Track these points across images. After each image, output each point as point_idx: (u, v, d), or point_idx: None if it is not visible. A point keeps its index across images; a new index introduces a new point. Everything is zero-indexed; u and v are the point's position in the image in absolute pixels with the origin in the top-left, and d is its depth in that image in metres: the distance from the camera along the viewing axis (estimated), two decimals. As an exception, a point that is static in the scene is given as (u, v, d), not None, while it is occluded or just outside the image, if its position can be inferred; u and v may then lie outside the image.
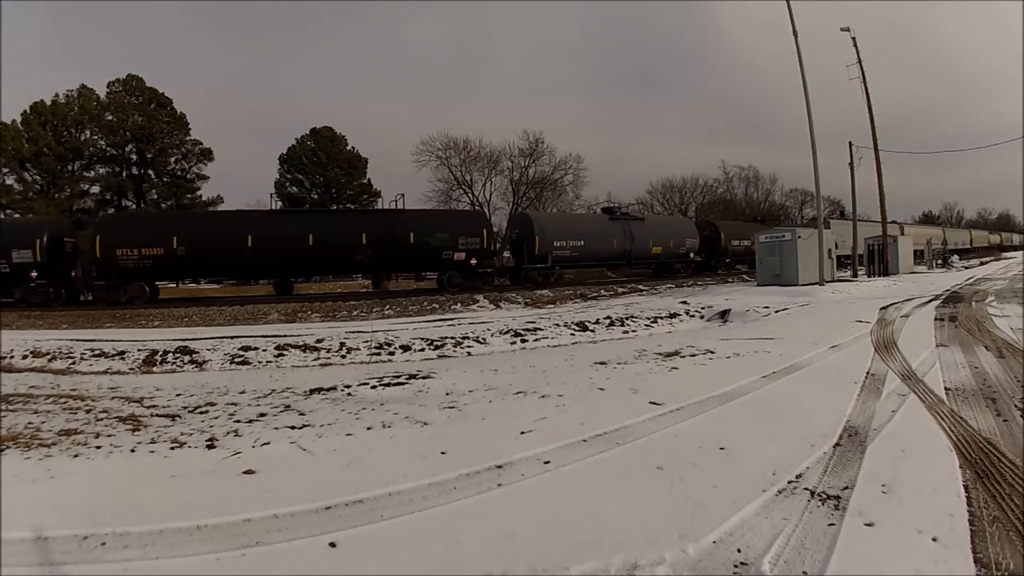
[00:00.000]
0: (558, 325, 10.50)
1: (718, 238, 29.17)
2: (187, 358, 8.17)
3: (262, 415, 4.80)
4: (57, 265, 17.42)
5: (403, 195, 20.49)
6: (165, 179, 37.48)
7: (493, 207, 40.64)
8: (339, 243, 18.37)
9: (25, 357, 8.17)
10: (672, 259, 26.22)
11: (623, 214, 26.12)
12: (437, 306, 15.33)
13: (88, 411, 4.96)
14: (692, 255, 26.87)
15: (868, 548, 2.44)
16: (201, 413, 4.93)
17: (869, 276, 21.79)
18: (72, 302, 17.25)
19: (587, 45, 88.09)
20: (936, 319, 9.81)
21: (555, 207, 40.66)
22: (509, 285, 20.78)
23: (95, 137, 35.40)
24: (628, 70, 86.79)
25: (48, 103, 33.98)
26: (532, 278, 20.98)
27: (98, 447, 3.94)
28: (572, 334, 10.01)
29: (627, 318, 11.27)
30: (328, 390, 5.81)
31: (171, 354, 8.27)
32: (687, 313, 12.10)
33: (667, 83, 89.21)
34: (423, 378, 6.34)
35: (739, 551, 2.43)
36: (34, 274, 16.94)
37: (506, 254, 24.59)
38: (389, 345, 8.86)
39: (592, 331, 10.25)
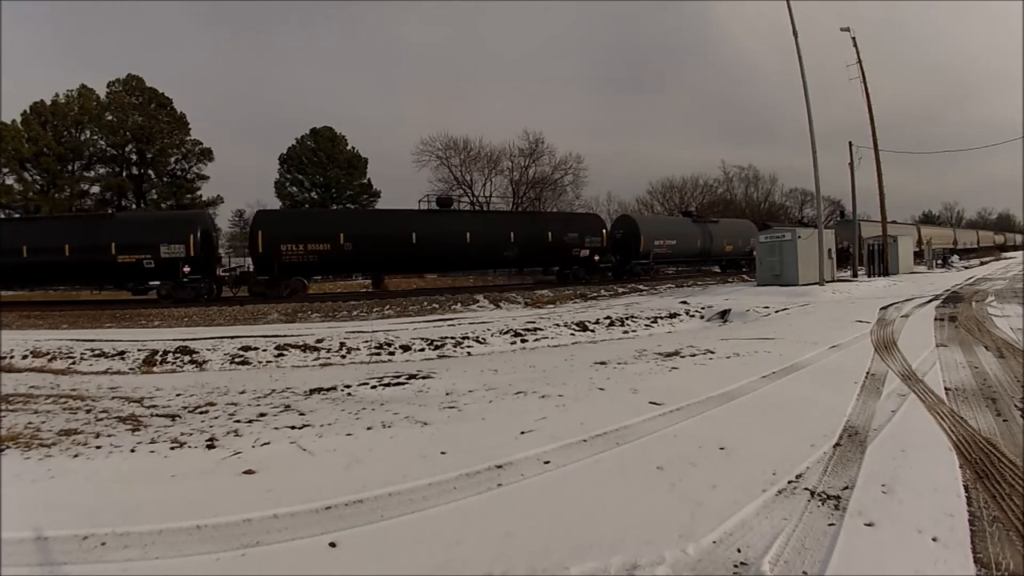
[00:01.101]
0: (558, 325, 10.50)
1: None
2: (187, 358, 8.17)
3: (262, 415, 4.80)
4: (206, 260, 17.93)
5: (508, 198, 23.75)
6: (165, 179, 37.53)
7: (493, 207, 40.62)
8: (492, 240, 20.53)
9: (25, 357, 8.17)
10: (740, 256, 29.25)
11: (700, 217, 29.66)
12: (437, 306, 15.33)
13: (88, 411, 4.96)
14: (755, 253, 29.15)
15: (868, 548, 2.44)
16: (201, 413, 4.93)
17: (869, 276, 21.79)
18: (216, 298, 17.64)
19: (587, 45, 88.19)
20: (936, 319, 9.81)
21: (555, 207, 40.71)
22: (611, 279, 23.47)
23: (95, 137, 35.46)
24: (628, 70, 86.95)
25: (48, 103, 34.01)
26: (636, 272, 24.23)
27: (98, 447, 3.94)
28: (572, 334, 10.01)
29: (627, 318, 11.27)
30: (328, 390, 5.81)
31: (171, 354, 8.27)
32: (687, 313, 12.10)
33: (667, 83, 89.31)
34: (423, 378, 6.34)
35: (739, 551, 2.43)
36: (187, 268, 17.37)
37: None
38: (389, 345, 8.86)
39: (592, 331, 10.25)
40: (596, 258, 22.88)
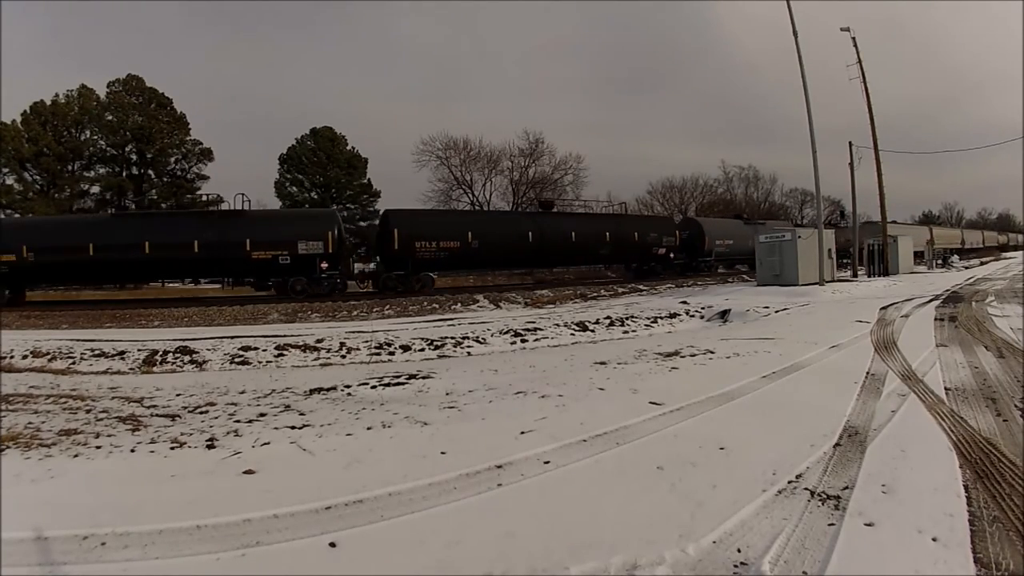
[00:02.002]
0: (558, 325, 10.50)
1: None
2: (187, 358, 8.17)
3: (262, 415, 4.80)
4: (340, 256, 18.66)
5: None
6: (165, 179, 37.50)
7: (493, 207, 40.63)
8: (591, 239, 22.92)
9: (25, 357, 8.17)
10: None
11: (749, 219, 32.09)
12: (437, 306, 15.33)
13: (88, 411, 4.96)
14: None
15: (868, 548, 2.44)
16: (201, 413, 4.93)
17: (869, 276, 21.79)
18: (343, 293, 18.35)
19: (587, 45, 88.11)
20: (936, 319, 9.81)
21: (554, 207, 40.65)
22: (679, 274, 25.69)
23: (95, 137, 35.44)
24: (628, 70, 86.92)
25: (48, 103, 33.99)
26: (700, 268, 26.91)
27: (98, 447, 3.94)
28: (572, 334, 10.01)
29: (627, 318, 11.27)
30: (328, 390, 5.81)
31: (171, 354, 8.27)
32: (687, 313, 12.10)
33: (667, 83, 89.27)
34: (423, 378, 6.34)
35: (739, 551, 2.43)
36: (324, 265, 17.91)
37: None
38: (389, 345, 8.86)
39: (592, 331, 10.25)
40: (671, 255, 25.50)
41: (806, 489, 3.05)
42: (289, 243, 17.62)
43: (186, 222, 18.15)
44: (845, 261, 24.57)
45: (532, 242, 21.08)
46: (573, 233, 22.48)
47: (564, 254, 22.93)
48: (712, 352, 7.26)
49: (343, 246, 19.10)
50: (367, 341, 9.01)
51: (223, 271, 18.48)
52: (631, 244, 24.35)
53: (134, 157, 36.62)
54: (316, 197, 39.65)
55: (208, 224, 17.73)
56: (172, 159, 37.63)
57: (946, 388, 5.09)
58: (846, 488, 3.05)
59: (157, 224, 18.19)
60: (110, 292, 19.20)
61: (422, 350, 8.67)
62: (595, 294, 18.07)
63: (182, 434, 4.23)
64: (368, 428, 4.35)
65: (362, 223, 36.29)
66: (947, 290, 15.48)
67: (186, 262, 17.36)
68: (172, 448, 3.93)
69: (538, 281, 24.12)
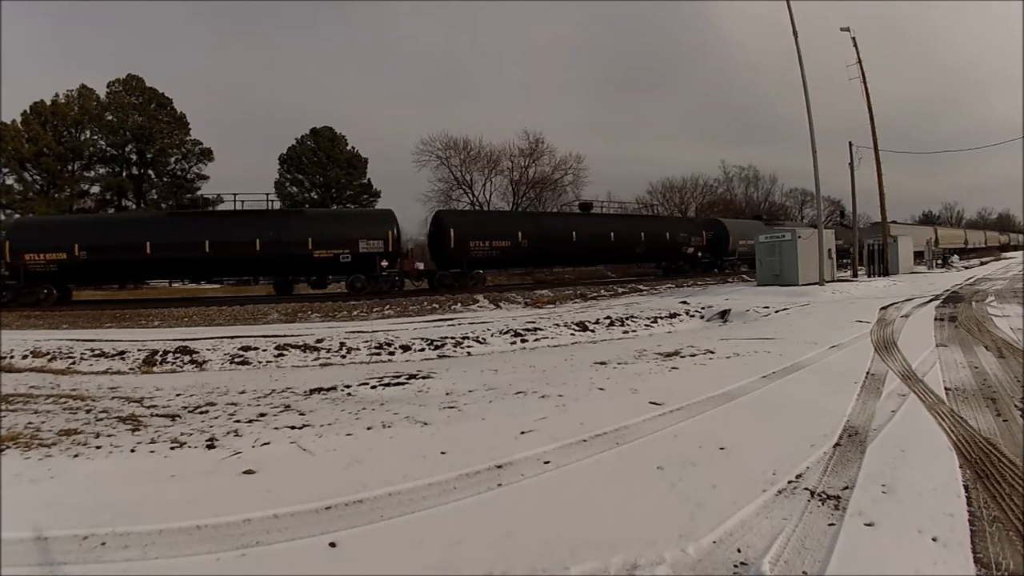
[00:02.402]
0: (558, 325, 10.50)
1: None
2: (187, 358, 8.17)
3: (262, 415, 4.80)
4: (398, 255, 19.40)
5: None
6: (165, 179, 37.49)
7: (493, 207, 40.63)
8: (628, 239, 24.43)
9: (25, 357, 8.17)
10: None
11: (769, 220, 33.70)
12: (437, 306, 15.33)
13: (88, 411, 4.96)
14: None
15: (868, 548, 2.44)
16: (201, 413, 4.93)
17: (869, 276, 21.79)
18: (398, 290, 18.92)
19: (587, 45, 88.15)
20: (936, 319, 9.81)
21: (555, 206, 40.71)
22: (704, 272, 26.90)
23: (95, 137, 35.43)
24: (628, 70, 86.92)
25: (48, 103, 33.98)
26: (725, 267, 27.81)
27: (98, 447, 3.94)
28: (572, 334, 10.01)
29: (627, 318, 11.27)
30: (328, 390, 5.81)
31: (171, 354, 8.27)
32: (687, 313, 12.09)
33: (667, 83, 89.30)
34: (423, 378, 6.34)
35: (739, 551, 2.43)
36: (384, 263, 18.55)
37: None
38: (389, 345, 8.86)
39: (592, 331, 10.25)
40: (698, 255, 26.94)
41: (806, 489, 3.05)
42: (351, 242, 18.29)
43: (247, 221, 18.40)
44: (845, 261, 24.58)
45: (576, 241, 22.49)
46: (612, 233, 24.04)
47: (604, 253, 24.49)
48: (712, 352, 7.26)
49: (400, 245, 19.81)
50: (367, 341, 9.01)
51: (285, 269, 18.85)
52: (663, 244, 25.85)
53: (134, 157, 36.62)
54: (316, 197, 39.63)
55: (270, 223, 18.20)
56: (172, 159, 37.63)
57: (946, 388, 5.09)
58: (846, 488, 3.05)
59: (217, 223, 18.58)
60: (110, 292, 19.24)
61: (422, 350, 8.67)
62: (595, 294, 18.07)
63: (182, 434, 4.23)
64: (368, 428, 4.35)
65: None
66: (947, 290, 15.48)
67: (248, 260, 17.81)
68: (172, 448, 3.93)
69: (538, 281, 24.42)
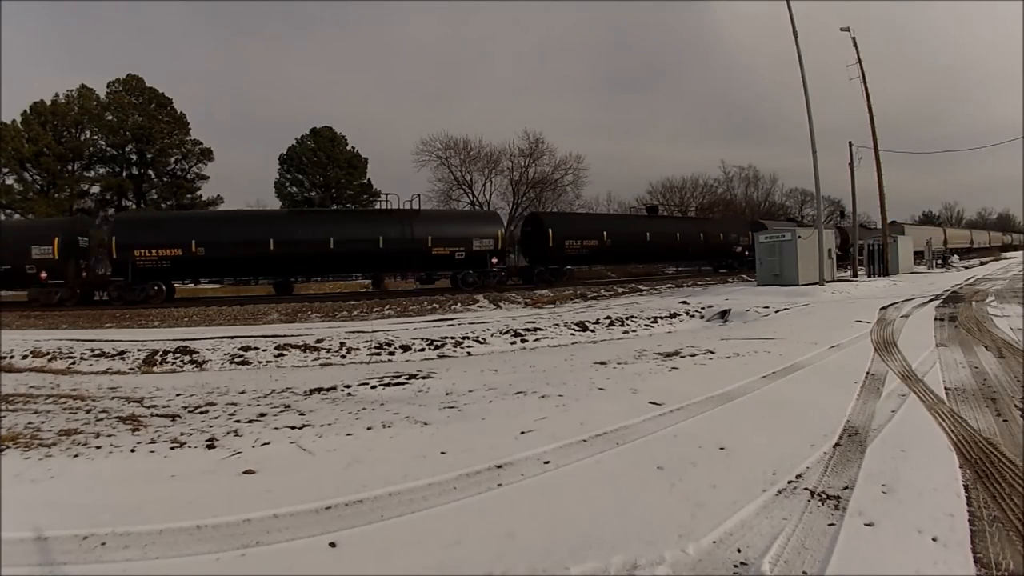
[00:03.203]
0: (558, 325, 10.50)
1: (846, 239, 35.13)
2: (187, 358, 8.17)
3: (262, 415, 4.81)
4: (505, 253, 21.35)
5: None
6: (165, 179, 37.46)
7: (493, 207, 40.62)
8: (689, 239, 26.61)
9: (25, 357, 8.17)
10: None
11: (800, 223, 35.54)
12: (437, 306, 15.33)
13: (88, 411, 4.96)
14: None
15: (868, 548, 2.44)
16: (201, 413, 4.93)
17: (869, 276, 21.77)
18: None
19: (587, 45, 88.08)
20: (936, 319, 9.81)
21: (555, 206, 40.73)
22: (750, 268, 27.35)
23: (95, 137, 35.38)
24: (628, 70, 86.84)
25: (48, 103, 33.96)
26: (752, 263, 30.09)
27: (98, 447, 3.94)
28: (572, 334, 10.01)
29: (627, 318, 11.27)
30: (328, 390, 5.81)
31: (171, 354, 8.27)
32: (687, 313, 12.09)
33: (667, 83, 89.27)
34: (423, 378, 6.34)
35: (739, 551, 2.43)
36: (495, 260, 20.40)
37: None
38: (389, 345, 8.86)
39: (592, 331, 10.25)
40: (745, 253, 27.97)
41: (806, 489, 3.05)
42: (465, 240, 19.84)
43: (369, 219, 20.07)
44: (856, 258, 24.55)
45: (649, 241, 24.97)
46: (678, 234, 26.62)
47: (671, 252, 26.91)
48: (712, 352, 7.26)
49: (506, 243, 21.95)
50: (367, 341, 9.01)
51: (405, 265, 20.45)
52: (717, 243, 28.21)
53: (134, 157, 36.57)
54: (316, 197, 39.63)
55: (391, 222, 19.39)
56: (172, 159, 37.56)
57: (946, 388, 5.09)
58: (846, 488, 3.05)
59: (340, 221, 19.89)
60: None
61: (422, 350, 8.67)
62: (595, 294, 18.07)
63: (182, 434, 4.23)
64: (368, 428, 4.35)
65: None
66: (947, 290, 15.47)
67: (372, 256, 18.98)
68: (172, 448, 3.93)
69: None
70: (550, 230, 21.95)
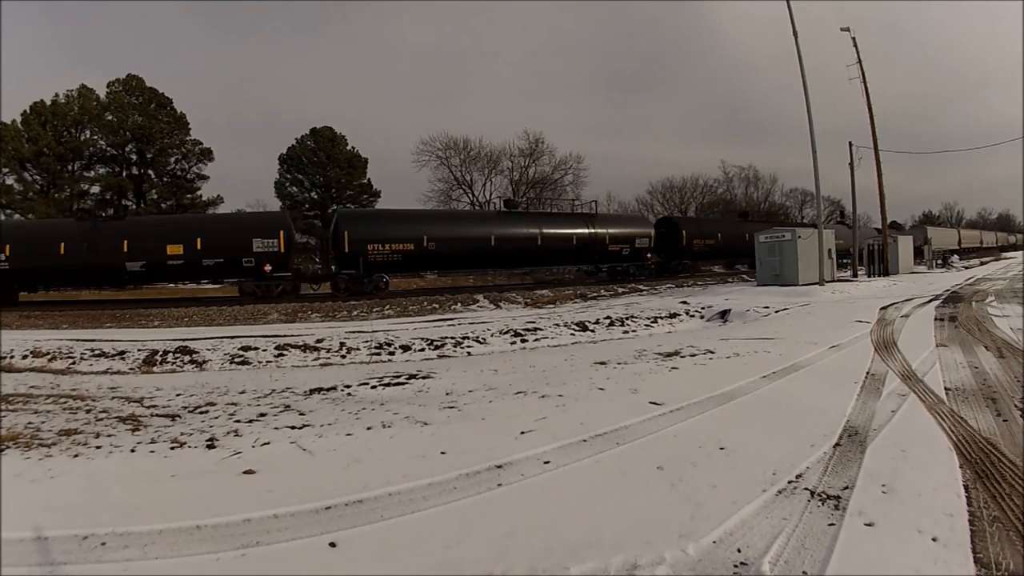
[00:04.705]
0: (558, 325, 10.50)
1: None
2: (187, 358, 8.17)
3: (262, 415, 4.81)
4: (652, 250, 24.93)
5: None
6: (165, 179, 37.45)
7: (493, 207, 40.57)
8: (734, 240, 28.18)
9: (25, 357, 8.17)
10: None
11: (850, 225, 36.91)
12: (437, 306, 15.33)
13: (88, 411, 4.96)
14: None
15: (868, 548, 2.44)
16: (201, 413, 4.93)
17: (869, 276, 21.78)
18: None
19: (587, 45, 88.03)
20: (936, 319, 9.81)
21: (555, 206, 40.74)
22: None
23: (95, 137, 35.35)
24: (628, 70, 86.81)
25: (48, 103, 33.95)
26: None
27: (98, 447, 3.94)
28: (572, 334, 10.01)
29: (627, 318, 11.27)
30: (328, 390, 5.81)
31: (171, 354, 8.27)
32: (687, 313, 12.09)
33: (667, 83, 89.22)
34: (423, 378, 6.34)
35: (739, 551, 2.43)
36: (650, 256, 24.65)
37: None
38: (389, 345, 8.86)
39: (592, 331, 10.25)
40: (648, 256, 30.09)
41: (806, 489, 3.05)
42: (630, 238, 23.88)
43: (562, 220, 23.55)
44: (845, 261, 24.56)
45: (748, 241, 26.30)
46: (746, 235, 27.52)
47: (741, 252, 27.96)
48: (712, 352, 7.26)
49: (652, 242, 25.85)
50: (367, 341, 9.01)
51: (588, 259, 23.87)
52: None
53: (134, 157, 36.55)
54: (316, 197, 39.63)
55: (583, 222, 23.22)
56: (172, 159, 37.54)
57: (946, 388, 5.09)
58: (846, 488, 3.05)
59: (544, 221, 23.23)
60: (111, 292, 19.28)
61: (422, 350, 8.67)
62: (595, 294, 18.06)
63: (182, 434, 4.23)
64: (368, 428, 4.35)
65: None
66: (947, 290, 15.47)
67: (569, 251, 22.48)
68: (172, 448, 3.93)
69: (538, 281, 25.28)
70: (684, 231, 26.33)
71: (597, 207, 25.60)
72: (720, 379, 5.60)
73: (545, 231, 21.66)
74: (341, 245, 18.13)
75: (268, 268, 17.37)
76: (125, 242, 16.85)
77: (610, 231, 23.45)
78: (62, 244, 16.46)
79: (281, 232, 17.72)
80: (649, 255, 24.35)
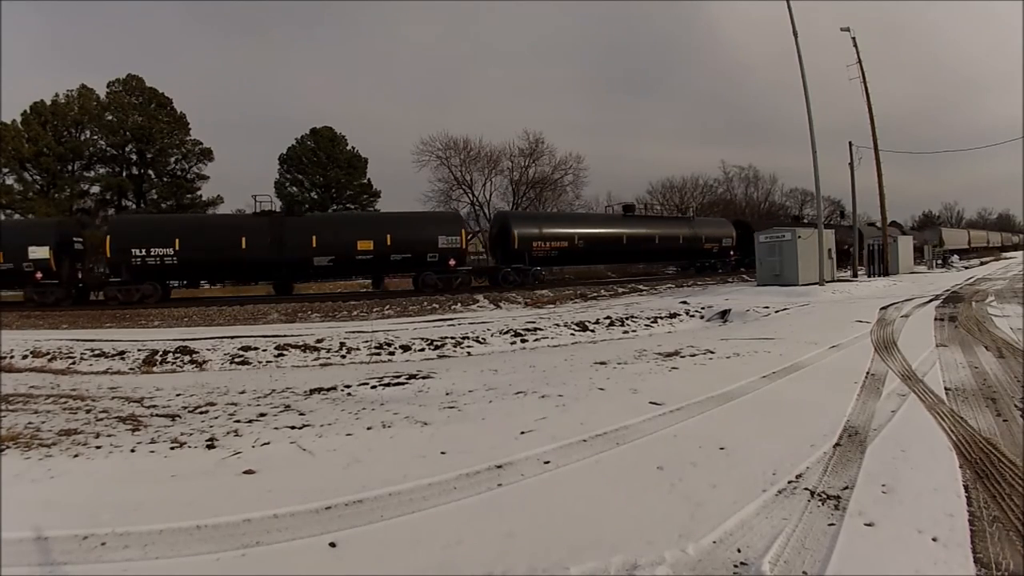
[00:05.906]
0: (558, 325, 10.50)
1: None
2: (187, 358, 8.17)
3: (262, 415, 4.81)
4: (735, 248, 27.92)
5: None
6: (165, 179, 37.46)
7: (493, 207, 40.61)
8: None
9: (25, 357, 8.17)
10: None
11: (879, 227, 39.86)
12: (437, 306, 15.32)
13: (88, 411, 4.96)
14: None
15: (868, 548, 2.44)
16: (201, 413, 4.93)
17: (869, 276, 21.77)
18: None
19: (587, 45, 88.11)
20: (936, 319, 9.81)
21: (555, 207, 40.75)
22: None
23: (95, 137, 35.39)
24: (627, 70, 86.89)
25: (48, 103, 33.96)
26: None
27: (98, 447, 3.94)
28: (572, 334, 10.01)
29: (627, 318, 11.27)
30: (328, 390, 5.81)
31: (171, 354, 8.27)
32: (687, 313, 12.09)
33: (667, 83, 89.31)
34: (423, 378, 6.34)
35: (739, 551, 2.43)
36: (732, 253, 27.40)
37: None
38: (389, 345, 8.86)
39: (592, 331, 10.25)
40: (732, 254, 31.63)
41: (806, 489, 3.05)
42: (719, 239, 27.06)
43: (672, 223, 27.22)
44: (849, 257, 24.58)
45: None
46: (708, 233, 29.70)
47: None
48: (712, 352, 7.25)
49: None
50: (367, 341, 9.01)
51: (688, 256, 27.31)
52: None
53: (134, 157, 36.57)
54: (316, 197, 39.64)
55: (684, 225, 26.70)
56: (172, 159, 37.57)
57: (946, 388, 5.09)
58: (846, 488, 3.05)
59: (656, 223, 26.54)
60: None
61: (422, 350, 8.67)
62: (595, 294, 18.06)
63: (182, 434, 4.23)
64: (368, 428, 4.35)
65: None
66: (947, 290, 15.47)
67: (676, 249, 26.04)
68: (172, 448, 3.93)
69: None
70: (756, 231, 27.67)
71: (694, 212, 30.21)
72: (720, 379, 5.60)
73: (659, 232, 25.24)
74: (511, 243, 20.60)
75: (452, 263, 19.17)
76: (314, 237, 17.88)
77: (704, 232, 26.73)
78: (243, 238, 17.22)
79: (463, 230, 20.13)
80: (732, 252, 27.39)
